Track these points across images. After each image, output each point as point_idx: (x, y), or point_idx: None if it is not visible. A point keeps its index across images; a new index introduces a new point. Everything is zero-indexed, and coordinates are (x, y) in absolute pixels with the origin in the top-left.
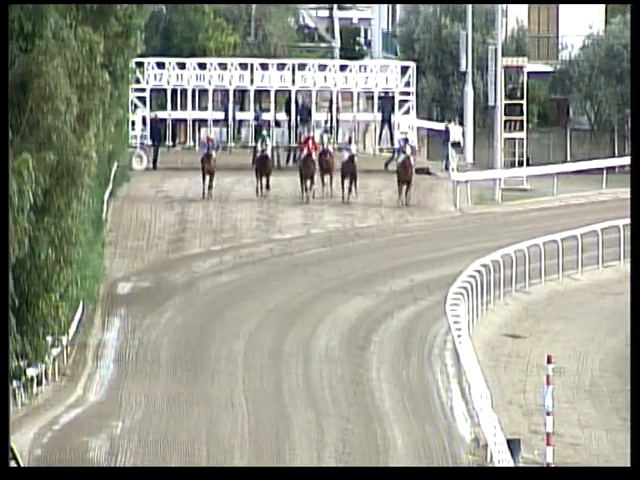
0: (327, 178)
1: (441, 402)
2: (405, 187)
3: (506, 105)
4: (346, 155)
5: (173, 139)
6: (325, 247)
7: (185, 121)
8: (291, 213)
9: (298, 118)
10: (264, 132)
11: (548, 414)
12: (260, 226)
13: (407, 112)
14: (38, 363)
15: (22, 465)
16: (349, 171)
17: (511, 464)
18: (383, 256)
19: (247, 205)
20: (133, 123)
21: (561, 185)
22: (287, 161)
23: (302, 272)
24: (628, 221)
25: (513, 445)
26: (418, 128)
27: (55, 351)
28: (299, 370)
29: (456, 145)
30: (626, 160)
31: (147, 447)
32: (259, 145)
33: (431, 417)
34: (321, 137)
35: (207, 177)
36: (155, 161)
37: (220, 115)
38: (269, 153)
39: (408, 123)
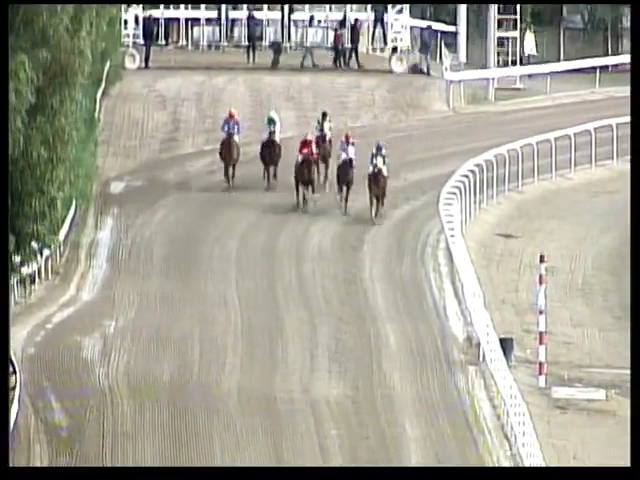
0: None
1: (434, 301)
2: (376, 201)
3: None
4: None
5: (166, 38)
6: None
7: (178, 20)
8: (284, 113)
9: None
10: (272, 113)
11: (541, 313)
12: (252, 126)
13: (400, 11)
14: (31, 261)
15: (17, 368)
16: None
17: (503, 363)
18: None
19: (240, 104)
20: (126, 22)
21: (554, 84)
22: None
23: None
24: (621, 120)
25: (506, 344)
26: (412, 27)
27: (48, 250)
28: (292, 269)
29: (531, 56)
30: (619, 59)
31: (140, 345)
32: (267, 128)
33: (424, 316)
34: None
35: (229, 168)
36: (147, 60)
37: (213, 14)
38: (277, 138)
39: (401, 22)
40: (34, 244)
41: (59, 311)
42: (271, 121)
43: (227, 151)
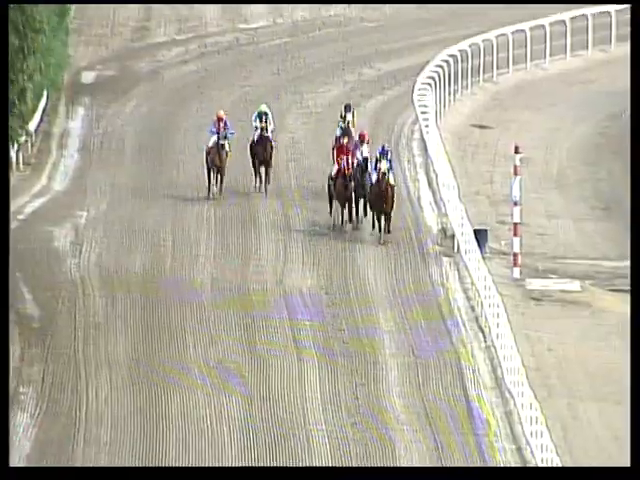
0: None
1: (408, 192)
2: (384, 219)
3: None
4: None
5: None
6: (291, 37)
7: None
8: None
9: None
10: (263, 107)
11: (515, 204)
12: (225, 15)
13: None
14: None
15: None
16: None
17: (478, 254)
18: (350, 45)
19: None
20: None
21: None
22: None
23: (268, 62)
24: (596, 9)
25: (480, 235)
26: None
27: (19, 140)
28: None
29: None
30: None
31: (113, 237)
32: (257, 123)
33: (397, 207)
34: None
35: (216, 176)
36: None
37: None
38: (270, 134)
39: None
40: None
41: (30, 202)
42: (263, 115)
43: (218, 157)
